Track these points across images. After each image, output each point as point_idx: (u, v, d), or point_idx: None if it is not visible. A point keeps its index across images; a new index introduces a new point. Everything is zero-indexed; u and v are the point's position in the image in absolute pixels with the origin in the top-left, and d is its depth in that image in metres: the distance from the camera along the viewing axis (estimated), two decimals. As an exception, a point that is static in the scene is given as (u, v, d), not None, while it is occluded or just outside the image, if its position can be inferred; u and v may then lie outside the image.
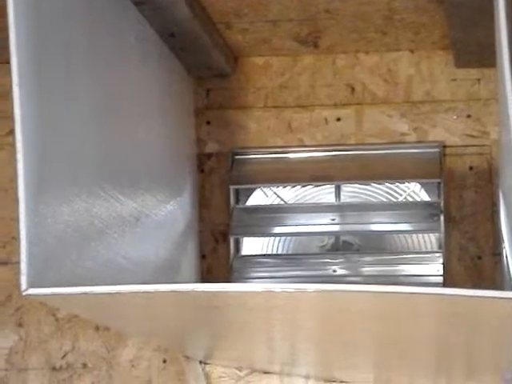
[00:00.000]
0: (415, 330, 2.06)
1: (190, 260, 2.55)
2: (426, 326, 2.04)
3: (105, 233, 2.00)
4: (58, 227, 1.80)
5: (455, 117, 2.56)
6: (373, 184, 2.58)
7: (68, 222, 1.83)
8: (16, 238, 2.59)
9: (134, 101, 2.23)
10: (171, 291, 1.77)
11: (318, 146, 2.60)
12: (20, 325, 2.61)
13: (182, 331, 2.32)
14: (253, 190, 2.63)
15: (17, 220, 2.59)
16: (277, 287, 1.76)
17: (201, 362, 2.57)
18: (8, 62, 2.51)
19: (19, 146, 1.73)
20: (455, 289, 1.74)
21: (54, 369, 2.59)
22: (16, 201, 2.59)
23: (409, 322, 1.99)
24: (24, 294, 1.71)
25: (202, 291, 1.76)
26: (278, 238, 2.63)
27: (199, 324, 2.16)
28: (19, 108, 1.72)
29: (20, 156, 1.73)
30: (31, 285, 1.71)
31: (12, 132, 2.63)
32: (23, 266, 1.71)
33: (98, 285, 1.79)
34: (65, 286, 1.77)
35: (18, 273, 2.58)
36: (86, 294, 1.74)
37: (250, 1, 2.31)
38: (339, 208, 2.58)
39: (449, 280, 2.47)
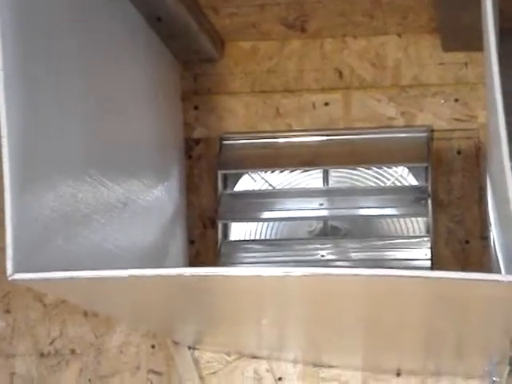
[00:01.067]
0: (403, 314, 2.06)
1: (178, 245, 2.55)
2: (414, 310, 2.04)
3: (91, 218, 1.99)
4: (44, 212, 1.80)
5: (443, 101, 2.56)
6: (361, 169, 2.57)
7: (53, 207, 1.83)
8: (1, 225, 2.62)
9: (121, 86, 2.22)
10: (159, 275, 1.77)
11: (306, 131, 2.60)
12: (7, 311, 2.60)
13: (171, 316, 2.31)
14: (241, 175, 2.63)
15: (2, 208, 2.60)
16: (264, 271, 1.76)
17: (189, 348, 2.57)
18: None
19: (4, 131, 1.72)
20: (443, 271, 1.74)
21: (41, 355, 2.59)
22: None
23: (397, 306, 1.99)
24: (10, 278, 1.71)
25: (190, 275, 1.76)
26: (266, 224, 2.63)
27: (187, 309, 2.16)
28: (4, 95, 1.71)
29: (5, 141, 1.72)
30: (17, 270, 1.71)
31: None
32: (9, 251, 1.71)
33: (85, 270, 1.79)
34: (51, 271, 1.77)
35: (4, 259, 2.59)
36: (72, 278, 1.74)
37: (237, -15, 2.30)
38: (327, 193, 2.57)
39: (437, 264, 2.47)
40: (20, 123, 1.75)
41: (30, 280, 1.73)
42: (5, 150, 1.72)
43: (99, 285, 1.84)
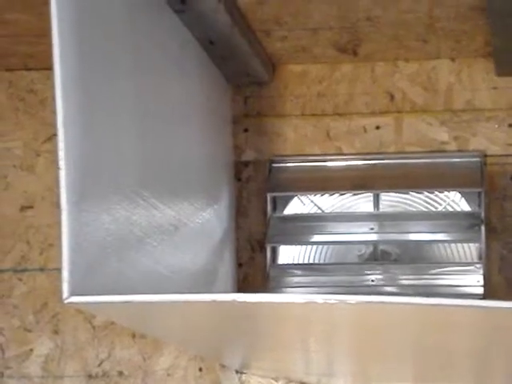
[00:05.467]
0: (455, 342, 2.03)
1: (226, 268, 2.54)
2: (467, 338, 2.02)
3: (144, 241, 1.99)
4: (99, 235, 1.79)
5: (496, 126, 2.54)
6: (412, 193, 2.55)
7: (109, 230, 1.83)
8: (53, 245, 2.63)
9: (173, 108, 2.22)
10: (213, 301, 1.76)
11: (357, 155, 2.58)
12: (56, 332, 2.60)
13: (219, 340, 2.30)
14: (290, 198, 2.62)
15: (53, 227, 2.62)
16: (318, 298, 1.74)
17: (237, 372, 2.56)
18: (47, 68, 2.53)
19: (61, 153, 1.72)
20: (496, 301, 1.71)
21: (89, 376, 2.59)
22: (56, 208, 2.60)
23: (449, 334, 1.97)
24: (66, 301, 1.70)
25: (244, 301, 1.74)
26: (315, 247, 2.61)
27: (236, 333, 2.15)
28: (62, 115, 1.71)
29: (62, 164, 1.72)
30: (73, 293, 1.70)
31: (50, 139, 2.67)
32: (65, 274, 1.70)
33: (137, 293, 1.78)
34: (105, 294, 1.76)
35: (54, 280, 2.60)
36: (128, 302, 1.73)
37: (290, 9, 2.30)
38: (378, 217, 2.55)
39: (489, 291, 2.44)
40: (77, 144, 1.75)
41: (86, 303, 1.73)
42: (62, 171, 1.72)
43: (152, 308, 1.83)
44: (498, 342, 1.98)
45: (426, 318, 1.81)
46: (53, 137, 2.63)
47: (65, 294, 1.70)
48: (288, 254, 2.63)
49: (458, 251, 2.54)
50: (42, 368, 2.60)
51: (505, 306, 1.70)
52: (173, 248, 2.16)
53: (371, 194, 2.57)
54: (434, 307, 1.72)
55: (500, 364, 2.19)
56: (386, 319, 1.87)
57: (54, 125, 2.52)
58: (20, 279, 2.63)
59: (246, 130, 2.64)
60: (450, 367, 2.29)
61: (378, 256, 2.57)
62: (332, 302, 1.73)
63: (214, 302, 1.78)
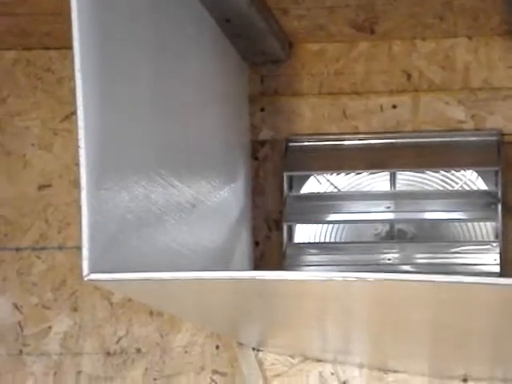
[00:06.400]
0: (472, 320, 2.04)
1: (243, 247, 2.55)
2: (483, 316, 2.02)
3: (163, 219, 2.00)
4: (118, 213, 1.81)
5: (514, 104, 2.53)
6: (428, 172, 2.55)
7: (128, 208, 1.84)
8: (71, 224, 2.64)
9: (191, 87, 2.23)
10: (232, 278, 1.77)
11: (374, 134, 2.58)
12: (75, 309, 2.62)
13: (236, 317, 2.32)
14: (307, 177, 2.62)
15: (71, 205, 2.63)
16: (338, 276, 1.75)
17: (254, 349, 2.57)
18: (66, 47, 2.54)
19: (81, 132, 1.73)
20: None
21: (108, 353, 2.61)
22: (74, 187, 2.61)
23: (465, 312, 1.97)
24: (86, 278, 1.71)
25: (263, 279, 1.75)
26: (331, 226, 2.62)
27: (253, 310, 2.16)
28: (81, 95, 1.72)
29: (82, 143, 1.73)
30: (93, 270, 1.72)
31: (68, 118, 2.68)
32: (85, 251, 1.72)
33: (156, 270, 1.80)
34: (124, 272, 1.78)
35: (72, 258, 2.62)
36: (147, 280, 1.75)
37: (307, -14, 2.30)
38: (394, 196, 2.55)
39: (506, 269, 2.44)
40: (96, 123, 1.76)
41: (106, 280, 1.74)
42: (81, 149, 1.73)
43: (170, 286, 1.85)
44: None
45: (444, 295, 1.82)
46: (70, 115, 2.64)
47: (85, 271, 1.72)
48: (304, 232, 2.63)
49: (475, 230, 2.54)
50: (61, 345, 2.63)
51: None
52: (190, 226, 2.17)
53: (388, 173, 2.57)
54: (451, 284, 1.72)
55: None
56: (404, 297, 1.87)
57: (71, 104, 2.54)
58: (39, 257, 2.65)
59: (262, 109, 2.64)
60: (466, 347, 2.29)
61: (394, 235, 2.57)
62: (351, 279, 1.74)
63: (233, 279, 1.79)
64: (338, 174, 2.60)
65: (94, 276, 1.72)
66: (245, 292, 1.94)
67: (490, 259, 2.47)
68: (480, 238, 2.53)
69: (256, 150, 2.64)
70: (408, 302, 1.91)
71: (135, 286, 1.86)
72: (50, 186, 2.67)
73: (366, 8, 2.41)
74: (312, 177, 2.62)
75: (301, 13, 2.44)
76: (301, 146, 2.62)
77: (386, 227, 2.58)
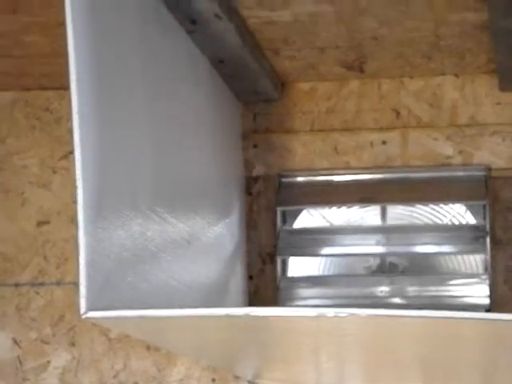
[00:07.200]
0: (462, 352, 2.07)
1: (238, 281, 2.59)
2: (473, 349, 2.05)
3: (158, 256, 2.04)
4: (115, 251, 1.84)
5: (500, 140, 2.58)
6: (418, 206, 2.60)
7: (124, 245, 1.87)
8: (69, 259, 2.68)
9: (185, 125, 2.27)
10: (226, 315, 1.81)
11: (364, 169, 2.63)
12: (72, 344, 2.66)
13: (232, 351, 2.35)
14: (299, 211, 2.67)
15: (69, 241, 2.67)
16: (329, 312, 1.78)
17: (249, 382, 2.60)
18: (62, 88, 2.59)
19: (78, 172, 1.76)
20: (503, 314, 1.75)
21: (105, 387, 2.64)
22: (71, 223, 2.65)
23: (456, 345, 2.01)
24: (83, 317, 1.74)
25: (256, 315, 1.79)
26: (323, 259, 2.66)
27: (248, 345, 2.19)
28: (79, 135, 1.75)
29: (80, 182, 1.77)
30: (90, 308, 1.75)
31: (66, 156, 2.72)
32: (82, 290, 1.74)
33: (152, 307, 1.83)
34: (121, 309, 1.81)
35: (70, 293, 2.65)
36: (143, 317, 1.78)
37: (298, 29, 2.35)
38: (385, 230, 2.60)
39: (495, 302, 2.48)
40: (94, 163, 1.79)
41: (102, 318, 1.78)
42: (79, 189, 1.76)
43: (166, 322, 1.88)
44: (504, 353, 2.02)
45: (434, 329, 1.85)
46: (68, 154, 2.69)
47: (82, 309, 1.74)
48: (297, 266, 2.67)
49: (464, 263, 2.59)
50: (60, 379, 2.66)
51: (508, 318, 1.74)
52: (186, 262, 2.20)
53: (378, 207, 2.62)
54: (441, 320, 1.76)
55: (506, 374, 2.23)
56: (395, 331, 1.91)
57: (69, 143, 2.59)
58: (37, 293, 2.69)
59: (255, 146, 2.69)
60: (457, 377, 2.32)
61: (385, 268, 2.62)
62: (343, 315, 1.77)
63: (228, 316, 1.82)
64: (329, 209, 2.65)
65: (91, 314, 1.74)
66: (239, 327, 1.97)
67: (480, 291, 2.51)
68: (469, 271, 2.57)
69: (250, 186, 2.68)
70: (399, 335, 1.95)
71: (132, 323, 1.89)
72: (48, 222, 2.71)
73: (355, 48, 2.46)
74: (304, 211, 2.66)
75: (292, 53, 2.50)
76: (293, 181, 2.67)
77: (377, 260, 2.62)
